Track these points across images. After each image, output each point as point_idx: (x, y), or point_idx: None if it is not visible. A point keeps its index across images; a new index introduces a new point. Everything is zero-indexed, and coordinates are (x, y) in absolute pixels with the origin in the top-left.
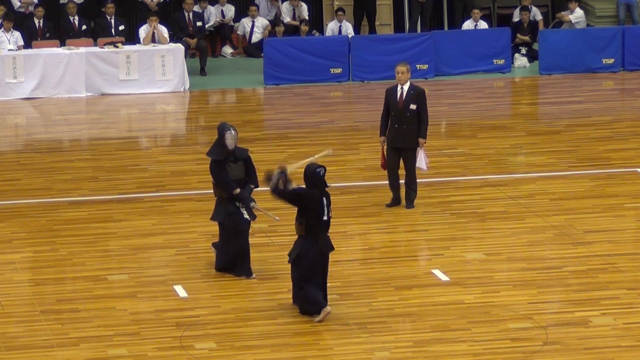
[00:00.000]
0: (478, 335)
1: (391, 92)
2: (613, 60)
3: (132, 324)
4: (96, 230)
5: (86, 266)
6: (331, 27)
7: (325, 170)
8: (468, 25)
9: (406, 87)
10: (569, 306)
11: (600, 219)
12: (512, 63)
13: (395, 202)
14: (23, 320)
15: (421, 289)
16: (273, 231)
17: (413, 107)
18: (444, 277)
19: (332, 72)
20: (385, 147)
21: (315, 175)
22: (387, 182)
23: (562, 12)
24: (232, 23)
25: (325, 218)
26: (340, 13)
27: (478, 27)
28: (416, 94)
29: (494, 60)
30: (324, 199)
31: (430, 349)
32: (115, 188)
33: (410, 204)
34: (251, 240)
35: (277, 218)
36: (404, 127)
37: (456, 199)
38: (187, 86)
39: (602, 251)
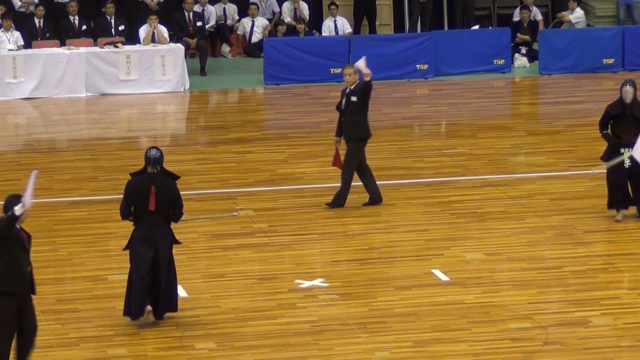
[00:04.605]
0: (478, 335)
1: (342, 92)
2: (613, 60)
3: (132, 324)
4: (96, 230)
5: (86, 266)
6: (327, 24)
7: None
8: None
9: (353, 86)
10: (569, 306)
11: (600, 219)
12: (512, 63)
13: (371, 200)
14: None
15: (421, 289)
16: (273, 231)
17: (354, 98)
18: (444, 277)
19: (332, 72)
20: (339, 146)
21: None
22: (365, 183)
23: (563, 12)
24: (235, 23)
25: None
26: (333, 7)
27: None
28: (359, 87)
29: (494, 60)
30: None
31: (430, 349)
32: (115, 188)
33: (329, 204)
34: (251, 239)
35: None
36: (347, 119)
37: (456, 199)
38: (187, 86)
39: (602, 251)
